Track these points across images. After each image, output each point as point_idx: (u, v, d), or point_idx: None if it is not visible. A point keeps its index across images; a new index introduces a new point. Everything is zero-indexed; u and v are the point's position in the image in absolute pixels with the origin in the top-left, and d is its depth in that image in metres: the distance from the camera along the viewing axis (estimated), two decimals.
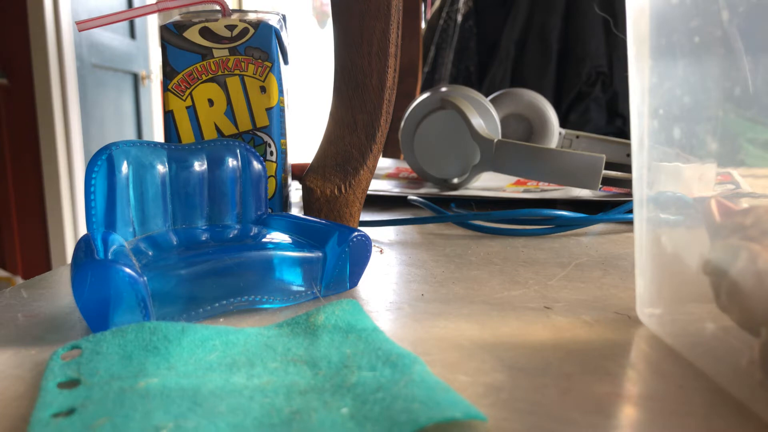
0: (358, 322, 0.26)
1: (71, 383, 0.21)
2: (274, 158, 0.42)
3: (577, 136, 0.77)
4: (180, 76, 0.40)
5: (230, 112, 0.41)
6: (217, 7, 0.43)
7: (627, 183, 0.55)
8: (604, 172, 0.54)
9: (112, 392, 0.20)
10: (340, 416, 0.19)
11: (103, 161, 0.31)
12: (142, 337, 0.24)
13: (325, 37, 4.06)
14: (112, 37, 2.72)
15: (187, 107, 0.41)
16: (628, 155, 0.70)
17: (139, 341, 0.24)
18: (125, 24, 2.84)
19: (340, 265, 0.33)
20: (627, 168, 0.68)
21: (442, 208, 0.55)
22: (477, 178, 0.66)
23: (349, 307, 0.28)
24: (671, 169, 0.26)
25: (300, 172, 0.77)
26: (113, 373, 0.21)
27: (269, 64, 0.41)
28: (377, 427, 0.18)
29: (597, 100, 1.08)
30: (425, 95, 0.67)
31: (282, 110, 0.43)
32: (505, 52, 1.16)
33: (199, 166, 0.35)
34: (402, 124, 0.68)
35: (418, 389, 0.20)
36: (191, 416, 0.19)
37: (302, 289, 0.31)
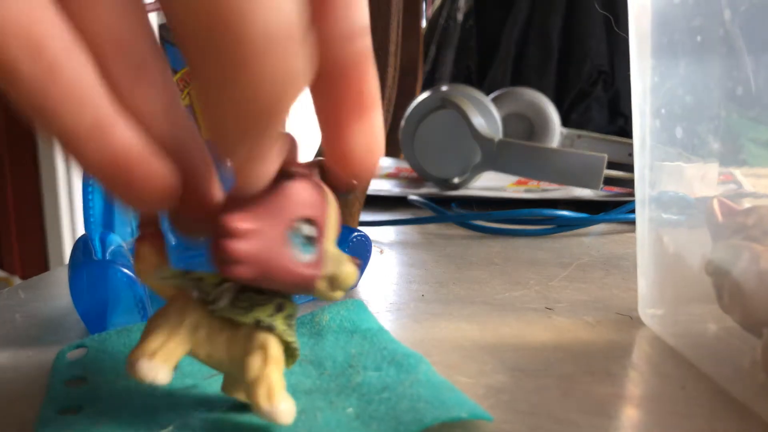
0: (363, 322, 0.26)
1: (78, 381, 0.21)
2: None
3: (579, 136, 0.77)
4: (178, 75, 0.40)
5: None
6: None
7: (629, 183, 0.55)
8: (605, 171, 0.54)
9: (118, 391, 0.20)
10: (345, 416, 0.19)
11: None
12: None
13: None
14: None
15: (186, 106, 0.40)
16: (630, 155, 0.70)
17: None
18: None
19: None
20: (629, 167, 0.67)
21: (443, 208, 0.55)
22: (478, 178, 0.65)
23: (354, 307, 0.27)
24: (673, 169, 0.25)
25: None
26: (119, 372, 0.22)
27: None
28: (383, 426, 0.18)
29: (598, 100, 1.08)
30: (426, 94, 0.67)
31: None
32: (505, 50, 1.16)
33: None
34: (402, 123, 0.68)
35: (424, 389, 0.20)
36: (196, 415, 0.19)
37: None
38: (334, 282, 0.18)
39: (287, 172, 0.17)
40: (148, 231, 0.18)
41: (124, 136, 0.14)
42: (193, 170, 0.16)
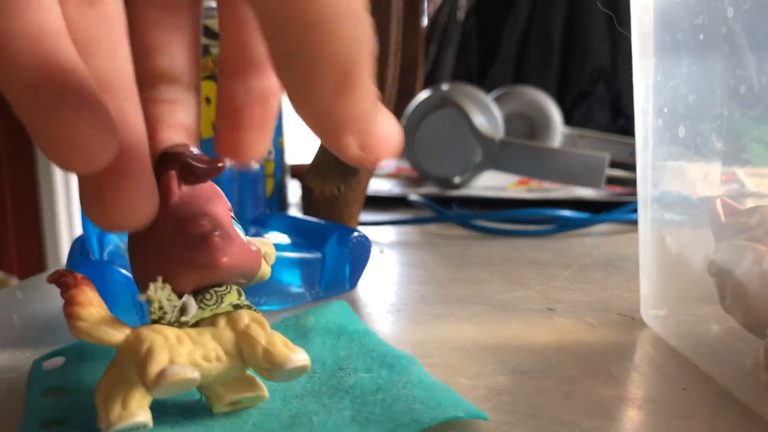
0: (349, 324, 0.26)
1: (57, 392, 0.21)
2: (272, 157, 0.42)
3: (581, 135, 0.77)
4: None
5: None
6: (215, 4, 0.42)
7: (631, 182, 0.55)
8: (607, 171, 0.53)
9: None
10: (341, 418, 0.19)
11: None
12: None
13: None
14: None
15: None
16: (632, 154, 0.70)
17: None
18: None
19: (339, 266, 0.32)
20: (631, 167, 0.67)
21: (443, 208, 0.55)
22: (478, 178, 0.65)
23: (339, 309, 0.27)
24: (676, 169, 0.25)
25: (299, 172, 0.77)
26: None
27: None
28: (380, 428, 0.18)
29: (600, 99, 1.08)
30: (426, 93, 0.67)
31: (281, 108, 0.42)
32: (507, 49, 1.16)
33: None
34: (403, 122, 0.68)
35: (418, 390, 0.20)
36: (187, 423, 0.19)
37: (301, 290, 0.31)
38: (267, 258, 0.20)
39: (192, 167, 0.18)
40: (74, 280, 0.18)
41: (66, 49, 0.14)
42: (123, 125, 0.16)
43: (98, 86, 0.15)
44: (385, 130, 0.16)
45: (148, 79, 0.18)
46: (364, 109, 0.15)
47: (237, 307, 0.19)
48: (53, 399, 0.20)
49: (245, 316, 0.18)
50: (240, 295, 0.19)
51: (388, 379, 0.21)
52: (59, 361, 0.23)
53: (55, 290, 0.33)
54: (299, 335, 0.25)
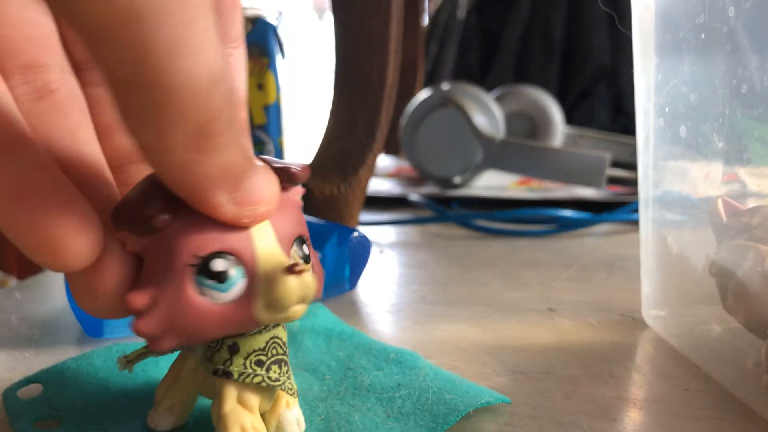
0: (335, 326, 0.26)
1: (51, 422, 0.19)
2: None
3: (582, 135, 0.77)
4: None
5: None
6: None
7: (632, 182, 0.55)
8: (608, 171, 0.53)
9: (117, 422, 0.19)
10: (376, 415, 0.19)
11: None
12: (112, 362, 0.22)
13: (325, 31, 4.05)
14: None
15: None
16: (633, 154, 0.69)
17: (110, 367, 0.22)
18: None
19: (339, 266, 0.32)
20: (632, 167, 0.67)
21: (444, 208, 0.55)
22: (479, 178, 0.65)
23: (320, 311, 0.27)
24: (677, 168, 0.25)
25: None
26: (97, 405, 0.20)
27: (267, 61, 0.40)
28: (420, 421, 0.19)
29: (601, 98, 1.08)
30: (427, 93, 0.67)
31: (280, 108, 0.42)
32: (507, 48, 1.16)
33: None
34: (403, 122, 0.68)
35: (440, 382, 0.21)
36: None
37: None
38: (272, 307, 0.15)
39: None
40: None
41: (35, 153, 0.13)
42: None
43: (69, 176, 0.14)
44: (259, 183, 0.15)
45: (117, 160, 0.17)
46: (229, 164, 0.14)
47: (216, 372, 0.17)
48: (49, 430, 0.19)
49: (217, 388, 0.17)
50: (231, 353, 0.17)
51: (403, 374, 0.21)
52: (36, 388, 0.21)
53: (53, 290, 0.34)
54: (289, 340, 0.25)
